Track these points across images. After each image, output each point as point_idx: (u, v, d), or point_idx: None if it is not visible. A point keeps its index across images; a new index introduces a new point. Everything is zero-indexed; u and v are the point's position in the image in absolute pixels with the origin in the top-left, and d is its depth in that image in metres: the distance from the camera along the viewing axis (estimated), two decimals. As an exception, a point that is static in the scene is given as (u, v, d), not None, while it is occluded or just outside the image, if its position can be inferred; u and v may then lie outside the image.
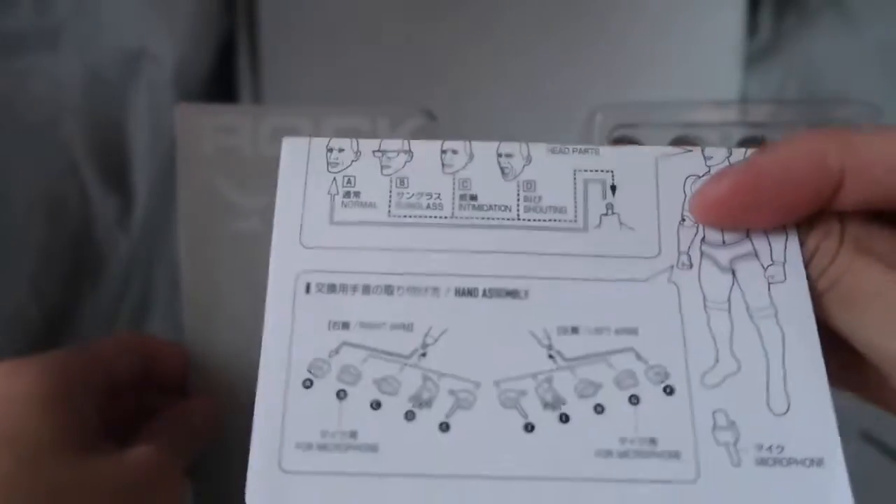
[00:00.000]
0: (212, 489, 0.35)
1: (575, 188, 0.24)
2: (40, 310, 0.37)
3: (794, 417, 0.21)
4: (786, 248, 0.23)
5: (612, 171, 0.24)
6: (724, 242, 0.23)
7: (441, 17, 0.63)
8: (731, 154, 0.24)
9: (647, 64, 0.63)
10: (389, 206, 0.23)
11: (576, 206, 0.24)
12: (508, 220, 0.23)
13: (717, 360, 0.22)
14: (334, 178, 0.23)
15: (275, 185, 0.35)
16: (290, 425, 0.20)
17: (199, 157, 0.35)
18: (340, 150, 0.23)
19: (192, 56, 0.55)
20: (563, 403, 0.21)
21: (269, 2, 0.62)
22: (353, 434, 0.20)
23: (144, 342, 0.32)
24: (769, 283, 0.22)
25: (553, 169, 0.24)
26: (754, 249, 0.23)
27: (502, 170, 0.24)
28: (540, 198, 0.24)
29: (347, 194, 0.23)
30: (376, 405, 0.20)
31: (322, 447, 0.20)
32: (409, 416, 0.20)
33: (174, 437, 0.28)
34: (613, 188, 0.24)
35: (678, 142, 0.34)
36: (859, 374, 0.22)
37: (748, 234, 0.23)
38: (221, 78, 0.61)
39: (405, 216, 0.23)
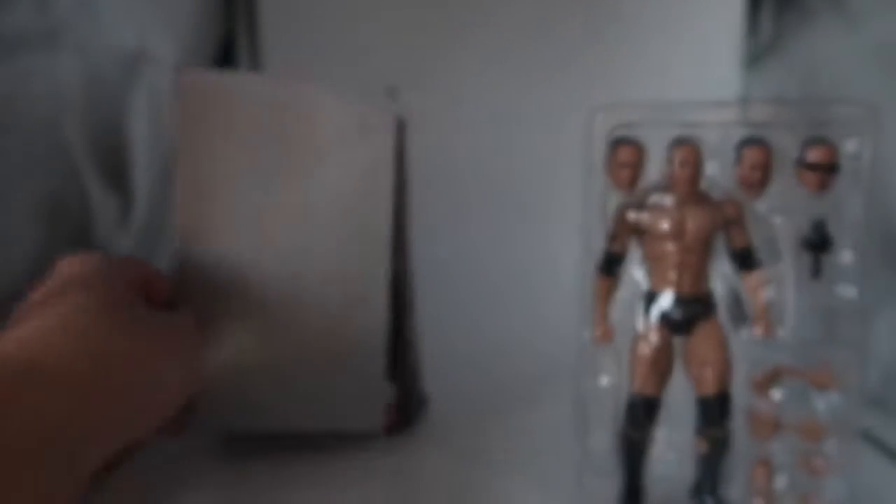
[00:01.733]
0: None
1: None
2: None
3: None
4: None
5: None
6: None
7: (442, 19, 0.63)
8: None
9: (647, 64, 0.63)
10: None
11: None
12: None
13: None
14: None
15: (271, 148, 0.38)
16: None
17: (199, 121, 0.37)
18: None
19: (192, 56, 0.55)
20: None
21: (269, 2, 0.62)
22: None
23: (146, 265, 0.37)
24: None
25: None
26: None
27: None
28: None
29: None
30: None
31: None
32: None
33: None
34: None
35: (678, 142, 0.34)
36: None
37: None
38: (221, 78, 0.61)
39: None
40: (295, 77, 0.40)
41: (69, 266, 0.32)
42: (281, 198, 0.39)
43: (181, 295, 0.38)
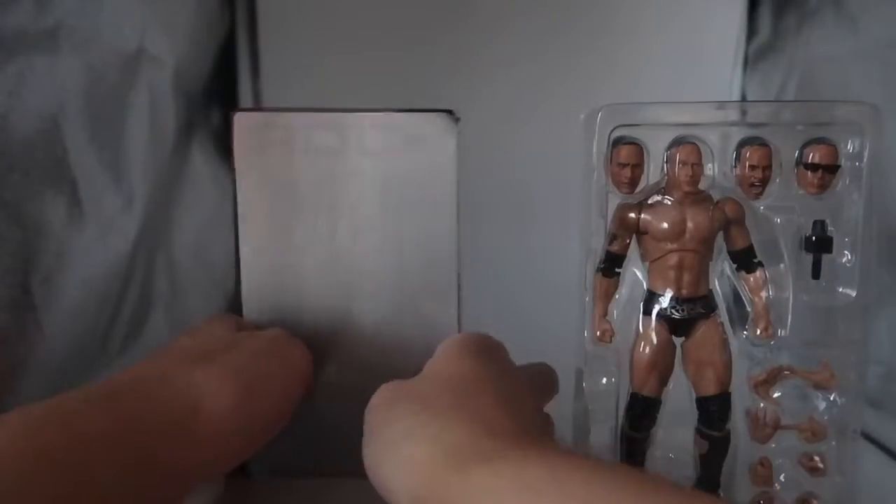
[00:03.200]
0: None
1: None
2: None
3: None
4: None
5: None
6: None
7: (442, 21, 0.63)
8: None
9: (648, 64, 0.63)
10: None
11: None
12: None
13: None
14: None
15: (324, 187, 0.37)
16: None
17: (255, 162, 0.37)
18: None
19: (192, 56, 0.55)
20: None
21: (269, 2, 0.62)
22: None
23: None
24: None
25: None
26: None
27: None
28: None
29: None
30: None
31: None
32: None
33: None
34: None
35: (678, 142, 0.34)
36: None
37: None
38: (221, 78, 0.61)
39: None
40: (347, 106, 0.38)
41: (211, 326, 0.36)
42: (344, 231, 0.38)
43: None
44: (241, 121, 0.36)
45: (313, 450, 0.39)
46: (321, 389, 0.38)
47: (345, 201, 0.37)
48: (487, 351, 0.33)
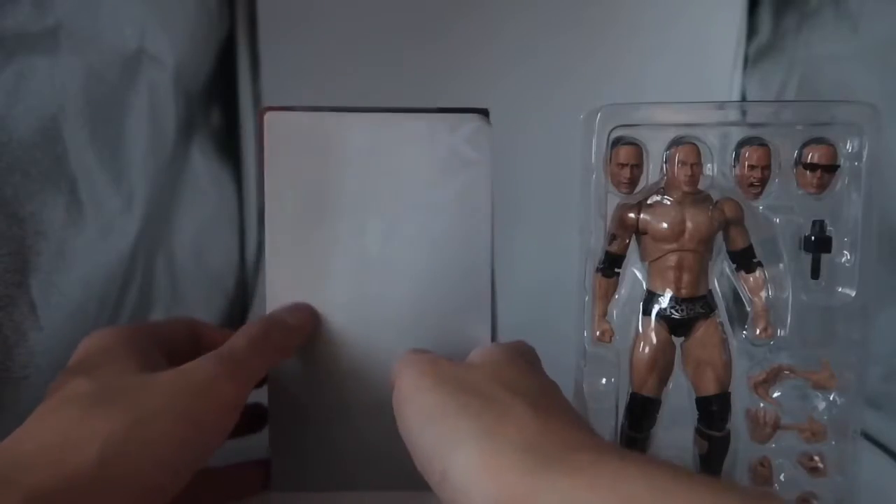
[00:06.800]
0: (286, 468, 0.37)
1: None
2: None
3: None
4: None
5: None
6: None
7: (442, 21, 0.63)
8: None
9: (648, 64, 0.63)
10: None
11: None
12: None
13: None
14: None
15: (354, 188, 0.36)
16: None
17: (285, 160, 0.36)
18: None
19: (192, 56, 0.55)
20: None
21: (269, 2, 0.62)
22: None
23: (192, 323, 0.37)
24: None
25: None
26: None
27: None
28: None
29: None
30: None
31: None
32: None
33: (233, 352, 0.32)
34: None
35: (678, 142, 0.34)
36: None
37: None
38: (221, 78, 0.61)
39: None
40: (382, 108, 0.37)
41: (85, 346, 0.33)
42: (374, 234, 0.37)
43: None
44: (271, 120, 0.35)
45: (334, 464, 0.38)
46: (344, 402, 0.37)
47: (375, 202, 0.36)
48: (535, 361, 0.33)
